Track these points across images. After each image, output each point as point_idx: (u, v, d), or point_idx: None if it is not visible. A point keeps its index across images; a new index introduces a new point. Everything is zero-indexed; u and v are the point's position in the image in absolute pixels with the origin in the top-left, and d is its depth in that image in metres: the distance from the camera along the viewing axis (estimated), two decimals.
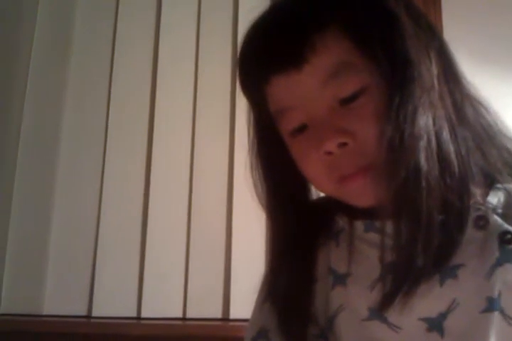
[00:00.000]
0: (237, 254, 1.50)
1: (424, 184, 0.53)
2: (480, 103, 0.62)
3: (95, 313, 1.50)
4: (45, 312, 1.51)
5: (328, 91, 0.57)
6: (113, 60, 1.67)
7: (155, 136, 1.61)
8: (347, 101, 0.57)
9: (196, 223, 1.54)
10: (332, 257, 0.66)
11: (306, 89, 0.58)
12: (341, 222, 0.67)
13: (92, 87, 1.66)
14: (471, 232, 0.56)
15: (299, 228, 0.65)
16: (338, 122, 0.57)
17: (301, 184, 0.66)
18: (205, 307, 1.48)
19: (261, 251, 1.43)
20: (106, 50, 1.68)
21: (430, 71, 0.57)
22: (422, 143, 0.53)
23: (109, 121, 1.63)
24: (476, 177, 0.57)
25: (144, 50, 1.68)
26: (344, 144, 0.56)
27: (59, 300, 1.52)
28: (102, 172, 1.60)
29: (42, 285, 1.53)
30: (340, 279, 0.64)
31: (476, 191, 0.57)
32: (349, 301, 0.62)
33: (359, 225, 0.64)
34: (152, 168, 1.59)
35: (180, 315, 1.49)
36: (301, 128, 0.60)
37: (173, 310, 1.49)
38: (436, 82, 0.57)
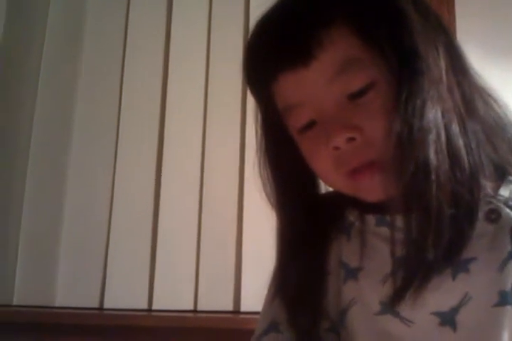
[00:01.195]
0: (248, 247, 1.50)
1: (433, 178, 0.53)
2: (489, 95, 0.62)
3: (107, 305, 1.51)
4: (57, 304, 1.52)
5: (336, 87, 0.57)
6: (125, 53, 1.68)
7: (166, 130, 1.62)
8: (355, 97, 0.57)
9: (207, 215, 1.55)
10: (343, 251, 0.66)
11: (314, 85, 0.58)
12: (352, 216, 0.67)
13: (103, 81, 1.67)
14: (482, 226, 0.56)
15: (309, 223, 0.65)
16: (346, 117, 0.57)
17: (310, 180, 0.66)
18: (216, 299, 1.48)
19: (272, 243, 1.40)
20: (117, 42, 1.69)
21: (438, 64, 0.57)
22: (431, 137, 0.53)
23: (121, 115, 1.64)
24: (487, 170, 0.57)
25: (155, 43, 1.68)
26: (352, 139, 0.56)
27: (71, 292, 1.53)
28: (114, 164, 1.61)
29: (54, 277, 1.54)
30: (352, 273, 0.64)
31: (487, 184, 0.57)
32: (361, 295, 0.62)
33: (370, 219, 0.64)
34: (164, 158, 1.59)
35: (191, 307, 1.49)
36: (310, 125, 0.60)
37: (184, 302, 1.50)
38: (444, 75, 0.57)
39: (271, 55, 0.59)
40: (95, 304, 1.52)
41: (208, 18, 1.67)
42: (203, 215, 1.55)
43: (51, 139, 1.64)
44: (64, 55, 1.70)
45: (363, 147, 0.56)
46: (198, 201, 1.56)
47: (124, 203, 1.58)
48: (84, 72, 1.68)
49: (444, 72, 0.57)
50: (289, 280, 0.65)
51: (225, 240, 1.52)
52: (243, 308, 1.47)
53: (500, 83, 0.63)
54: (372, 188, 0.58)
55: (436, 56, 0.57)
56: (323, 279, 0.65)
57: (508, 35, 1.51)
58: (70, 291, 1.53)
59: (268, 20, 0.62)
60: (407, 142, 0.53)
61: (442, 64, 0.57)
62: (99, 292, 1.53)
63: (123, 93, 1.65)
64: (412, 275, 0.55)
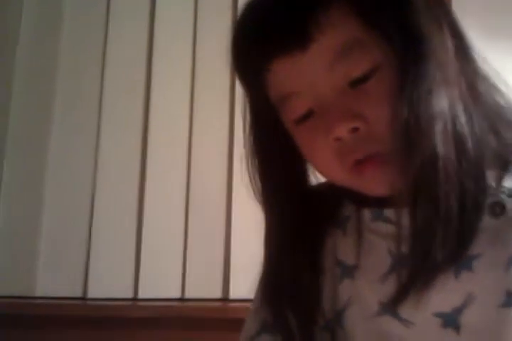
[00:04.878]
0: (236, 232, 1.47)
1: (441, 169, 0.50)
2: (492, 80, 0.58)
3: (90, 295, 1.47)
4: (38, 294, 1.47)
5: (337, 72, 0.53)
6: (106, 43, 1.61)
7: (150, 125, 1.57)
8: (357, 83, 0.53)
9: (195, 199, 1.51)
10: (339, 247, 0.63)
11: (313, 71, 0.54)
12: (347, 210, 0.63)
13: (84, 70, 1.60)
14: (486, 220, 0.53)
15: (300, 218, 0.62)
16: (348, 105, 0.53)
17: (300, 173, 0.63)
18: (204, 287, 1.45)
19: (261, 228, 1.38)
20: (99, 26, 1.62)
21: (445, 47, 0.54)
22: (438, 126, 0.50)
23: (102, 108, 1.58)
24: (490, 159, 0.54)
25: (139, 24, 1.62)
26: (355, 129, 0.53)
27: (52, 281, 1.47)
28: (96, 152, 1.55)
29: (34, 265, 1.49)
30: (348, 271, 0.61)
31: (490, 174, 0.54)
32: (358, 295, 0.60)
33: (366, 214, 0.60)
34: (149, 148, 1.55)
35: (178, 295, 1.46)
36: (307, 115, 0.56)
37: (171, 290, 1.46)
38: (451, 57, 0.54)
39: (263, 39, 0.55)
40: (78, 294, 1.47)
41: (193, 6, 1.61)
42: (190, 200, 1.51)
43: (28, 137, 1.57)
44: (42, 47, 1.61)
45: (367, 137, 0.53)
46: (185, 187, 1.52)
47: (108, 188, 1.53)
48: (63, 64, 1.60)
49: (450, 55, 0.54)
50: (280, 280, 0.62)
51: (213, 225, 1.49)
52: (232, 296, 1.44)
53: (499, 65, 0.60)
54: (376, 181, 0.55)
55: (442, 38, 0.54)
56: (317, 278, 0.63)
57: (507, 15, 1.47)
58: (50, 280, 1.47)
59: (255, 4, 0.57)
60: (414, 132, 0.50)
61: (448, 46, 0.54)
62: (81, 281, 1.48)
63: (104, 85, 1.58)
64: (417, 274, 0.52)
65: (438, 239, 0.50)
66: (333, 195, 0.64)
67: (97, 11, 1.63)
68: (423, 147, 0.50)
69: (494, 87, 0.58)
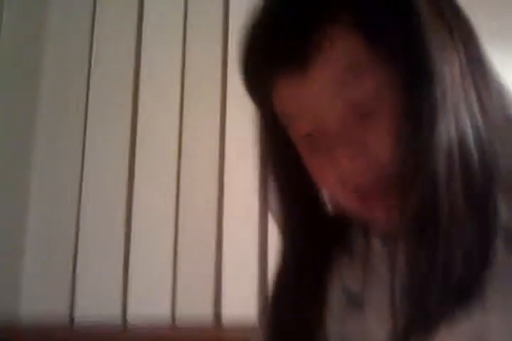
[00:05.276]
0: (228, 255, 1.43)
1: (444, 201, 0.48)
2: (505, 94, 0.56)
3: (77, 319, 1.42)
4: (22, 320, 1.41)
5: (338, 97, 0.51)
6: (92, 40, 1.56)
7: (139, 129, 1.52)
8: (359, 108, 0.51)
9: (184, 221, 1.47)
10: (345, 273, 0.61)
11: (313, 95, 0.51)
12: (356, 234, 0.62)
13: (70, 64, 1.55)
14: (502, 255, 0.49)
15: (311, 241, 0.61)
16: (349, 133, 0.51)
17: (315, 193, 0.61)
18: (196, 310, 1.41)
19: (254, 248, 1.38)
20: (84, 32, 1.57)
21: (453, 67, 0.51)
22: (443, 155, 0.49)
23: (88, 118, 1.53)
24: (502, 185, 0.51)
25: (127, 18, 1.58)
26: (357, 157, 0.51)
27: (37, 307, 1.42)
28: (82, 161, 1.50)
29: (18, 290, 1.43)
30: (355, 300, 0.59)
31: (503, 206, 0.50)
32: (366, 327, 0.57)
33: (374, 238, 0.59)
34: (137, 157, 1.50)
35: (168, 318, 1.42)
36: (310, 135, 0.54)
37: (161, 315, 1.42)
38: (459, 78, 0.51)
39: (265, 58, 0.54)
40: (64, 318, 1.42)
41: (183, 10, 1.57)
42: (180, 220, 1.47)
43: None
44: (24, 55, 1.57)
45: (369, 165, 0.51)
46: (174, 205, 1.48)
47: (94, 209, 1.48)
48: (47, 68, 1.55)
49: (460, 78, 0.51)
50: (285, 309, 0.61)
51: (204, 246, 1.45)
52: (224, 312, 1.40)
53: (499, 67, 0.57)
54: (378, 214, 0.53)
55: (452, 59, 0.51)
56: (323, 305, 0.60)
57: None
58: (35, 305, 1.42)
59: (261, 18, 0.56)
60: (417, 162, 0.49)
61: (458, 68, 0.51)
62: (68, 305, 1.43)
63: (90, 86, 1.54)
64: (413, 323, 0.49)
65: (439, 277, 0.48)
66: (343, 219, 0.61)
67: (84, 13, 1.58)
68: (425, 177, 0.49)
69: (504, 100, 0.55)
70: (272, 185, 0.61)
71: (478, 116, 0.51)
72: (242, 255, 1.39)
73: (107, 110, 1.53)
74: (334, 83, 0.50)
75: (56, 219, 1.48)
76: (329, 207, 0.62)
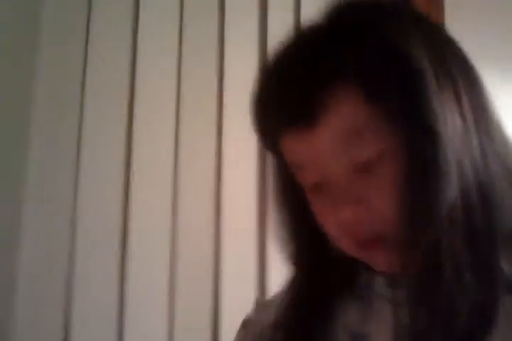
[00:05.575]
0: (226, 279, 1.40)
1: (446, 259, 0.49)
2: (507, 144, 0.57)
3: None
4: None
5: (344, 155, 0.52)
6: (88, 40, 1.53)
7: (134, 133, 1.50)
8: (363, 167, 0.52)
9: (182, 250, 1.43)
10: (348, 313, 0.61)
11: (319, 151, 0.53)
12: (361, 274, 0.62)
13: (64, 74, 1.51)
14: (508, 300, 0.51)
15: (320, 280, 0.62)
16: (353, 189, 0.53)
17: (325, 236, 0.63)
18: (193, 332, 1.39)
19: (252, 281, 1.37)
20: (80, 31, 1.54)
21: (456, 127, 0.52)
22: (447, 214, 0.50)
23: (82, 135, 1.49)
24: (502, 239, 0.52)
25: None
26: (360, 213, 0.52)
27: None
28: (77, 168, 1.45)
29: (10, 323, 1.31)
30: (357, 339, 0.59)
31: (504, 260, 0.52)
32: None
33: (380, 280, 0.59)
34: (132, 166, 1.47)
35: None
36: (316, 185, 0.56)
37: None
38: (463, 133, 0.52)
39: (274, 113, 0.56)
40: None
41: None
42: (177, 229, 1.43)
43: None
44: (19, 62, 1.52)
45: (371, 220, 0.53)
46: (170, 209, 1.44)
47: (89, 218, 1.42)
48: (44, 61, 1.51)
49: (464, 133, 0.52)
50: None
51: (201, 273, 1.41)
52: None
53: (497, 83, 0.60)
54: (379, 261, 0.56)
55: (454, 116, 0.52)
56: None
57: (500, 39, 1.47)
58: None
59: (271, 72, 0.58)
60: (418, 220, 0.50)
61: (461, 124, 0.52)
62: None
63: (84, 113, 1.49)
64: None
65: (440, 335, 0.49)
66: (349, 259, 0.62)
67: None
68: (426, 235, 0.49)
69: (506, 150, 0.56)
70: (278, 220, 0.63)
71: (482, 171, 0.52)
72: (240, 292, 1.35)
73: (104, 117, 1.51)
74: (340, 141, 0.52)
75: (49, 237, 1.39)
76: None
